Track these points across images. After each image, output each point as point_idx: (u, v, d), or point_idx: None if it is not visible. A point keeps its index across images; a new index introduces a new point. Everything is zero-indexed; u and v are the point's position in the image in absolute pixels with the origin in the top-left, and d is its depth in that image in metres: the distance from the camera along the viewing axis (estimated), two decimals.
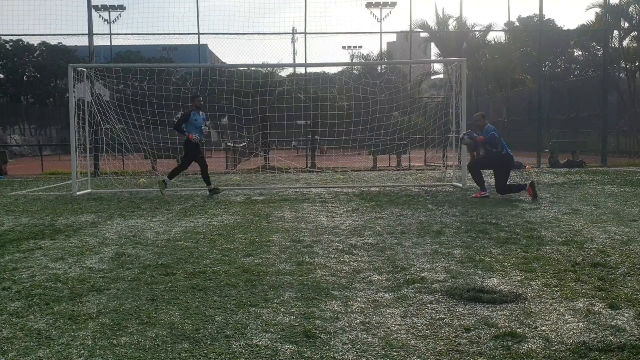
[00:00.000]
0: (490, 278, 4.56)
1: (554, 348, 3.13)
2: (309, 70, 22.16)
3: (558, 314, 3.68)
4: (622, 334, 3.32)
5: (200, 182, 14.26)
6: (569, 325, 3.48)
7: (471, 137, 10.18)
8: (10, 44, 47.55)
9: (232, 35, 20.52)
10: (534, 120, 23.11)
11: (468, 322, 3.55)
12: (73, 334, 3.47)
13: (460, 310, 3.80)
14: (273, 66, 21.73)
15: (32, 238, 6.70)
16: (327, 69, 34.76)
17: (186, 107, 13.50)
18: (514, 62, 21.95)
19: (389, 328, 3.49)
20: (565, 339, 3.27)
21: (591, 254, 5.35)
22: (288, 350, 3.16)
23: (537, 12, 21.96)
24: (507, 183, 9.94)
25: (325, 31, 30.53)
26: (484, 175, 10.23)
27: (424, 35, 23.96)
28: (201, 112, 11.32)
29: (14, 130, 46.36)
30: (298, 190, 12.07)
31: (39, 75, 50.44)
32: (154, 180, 13.61)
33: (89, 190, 12.06)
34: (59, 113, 47.69)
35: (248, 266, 5.06)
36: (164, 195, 11.11)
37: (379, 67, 28.10)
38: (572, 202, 9.11)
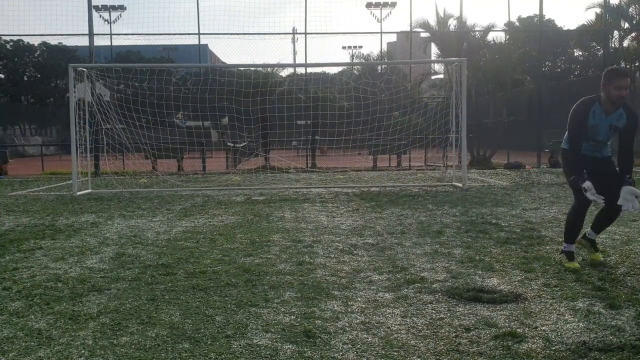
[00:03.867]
0: (490, 278, 4.56)
1: (554, 348, 3.14)
2: (309, 70, 22.18)
3: (558, 314, 3.68)
4: (622, 333, 3.32)
5: (200, 182, 14.27)
6: (569, 325, 3.48)
7: None
8: (11, 43, 47.51)
9: (232, 35, 20.51)
10: (533, 120, 23.10)
11: (468, 322, 3.55)
12: (73, 333, 3.48)
13: (460, 310, 3.80)
14: (273, 66, 21.75)
15: (32, 238, 6.70)
16: (327, 69, 34.94)
17: (186, 107, 13.44)
18: (514, 62, 21.86)
19: (389, 328, 3.49)
20: (565, 338, 3.27)
21: None
22: (288, 350, 3.17)
23: (537, 12, 21.95)
24: None
25: (325, 31, 30.51)
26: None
27: (424, 35, 23.91)
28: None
29: (14, 130, 46.34)
30: (298, 190, 12.07)
31: (39, 75, 50.40)
32: (153, 180, 13.62)
33: (89, 190, 12.06)
34: (59, 113, 47.64)
35: (248, 266, 5.07)
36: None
37: (379, 67, 28.12)
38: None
